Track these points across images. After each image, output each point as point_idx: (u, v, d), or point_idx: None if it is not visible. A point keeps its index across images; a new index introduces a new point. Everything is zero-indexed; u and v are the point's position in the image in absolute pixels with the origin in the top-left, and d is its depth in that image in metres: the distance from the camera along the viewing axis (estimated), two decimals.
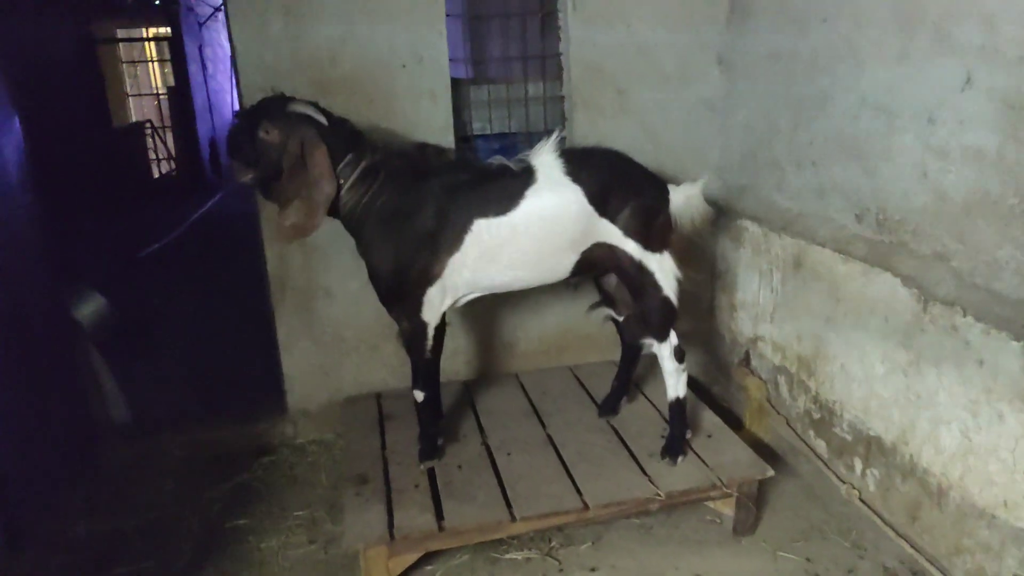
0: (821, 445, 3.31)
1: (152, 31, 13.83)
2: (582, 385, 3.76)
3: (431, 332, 2.96)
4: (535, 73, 3.92)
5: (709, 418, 3.38)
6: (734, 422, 3.63)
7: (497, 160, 2.96)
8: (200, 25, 12.65)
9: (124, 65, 13.67)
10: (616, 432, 3.28)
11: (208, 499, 3.34)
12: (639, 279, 2.96)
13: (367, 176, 2.83)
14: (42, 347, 3.34)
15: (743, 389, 3.84)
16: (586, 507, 2.78)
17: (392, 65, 3.49)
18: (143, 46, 14.49)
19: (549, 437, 3.27)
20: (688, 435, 3.15)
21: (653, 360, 4.00)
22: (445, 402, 3.56)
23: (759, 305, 3.72)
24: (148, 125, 13.08)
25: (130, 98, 13.69)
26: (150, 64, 15.70)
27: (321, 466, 3.60)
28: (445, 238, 2.82)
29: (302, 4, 3.32)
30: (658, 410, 3.46)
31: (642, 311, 3.05)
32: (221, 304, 6.09)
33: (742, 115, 3.74)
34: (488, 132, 3.94)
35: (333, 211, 2.87)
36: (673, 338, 3.04)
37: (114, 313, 4.31)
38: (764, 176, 3.61)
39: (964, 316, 2.45)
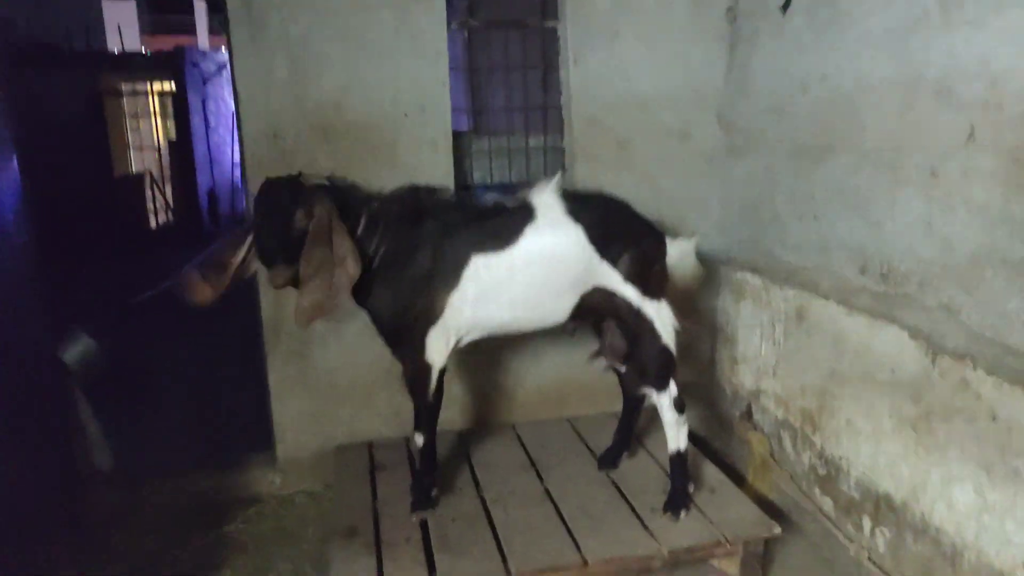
0: (828, 502, 3.21)
1: (157, 86, 14.08)
2: (581, 438, 3.67)
3: (434, 375, 2.90)
4: (536, 125, 3.96)
5: (712, 472, 3.29)
6: (736, 478, 3.52)
7: (493, 198, 2.97)
8: (204, 81, 12.90)
9: (127, 118, 13.86)
10: (616, 486, 3.19)
11: (192, 550, 3.20)
12: (637, 326, 2.92)
13: (370, 228, 2.80)
14: (29, 389, 3.25)
15: (745, 444, 3.75)
16: (585, 563, 2.66)
17: (395, 114, 3.53)
18: (147, 99, 14.75)
19: (547, 491, 3.17)
20: (691, 489, 3.06)
21: (654, 413, 3.93)
22: (439, 452, 3.45)
23: (761, 358, 3.67)
24: (148, 176, 13.21)
25: (131, 149, 13.83)
26: (152, 117, 15.96)
27: (309, 518, 3.47)
28: (443, 276, 2.79)
29: (307, 51, 3.37)
30: (659, 464, 3.37)
31: (640, 360, 3.01)
32: (212, 352, 6.01)
33: (742, 169, 3.77)
34: (488, 182, 3.96)
35: None
36: (673, 388, 2.98)
37: (103, 357, 4.22)
38: (765, 229, 3.61)
39: (975, 369, 2.40)
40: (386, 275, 2.81)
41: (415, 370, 2.90)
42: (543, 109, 3.94)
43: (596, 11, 3.66)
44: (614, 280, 2.88)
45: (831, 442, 3.17)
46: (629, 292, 2.88)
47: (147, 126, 15.99)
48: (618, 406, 3.46)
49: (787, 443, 3.48)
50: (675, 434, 3.01)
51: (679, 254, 3.03)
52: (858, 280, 2.98)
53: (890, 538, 2.83)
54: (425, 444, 2.99)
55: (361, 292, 2.81)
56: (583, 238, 2.83)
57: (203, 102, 12.78)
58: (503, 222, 2.86)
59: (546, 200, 2.87)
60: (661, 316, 2.93)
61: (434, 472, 3.12)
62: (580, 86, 3.73)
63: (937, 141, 2.54)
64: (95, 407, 3.80)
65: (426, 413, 2.96)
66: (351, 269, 2.63)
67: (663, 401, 2.98)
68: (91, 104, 11.58)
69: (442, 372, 2.93)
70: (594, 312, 3.01)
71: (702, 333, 4.11)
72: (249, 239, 2.74)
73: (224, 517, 3.45)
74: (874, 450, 2.90)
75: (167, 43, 13.28)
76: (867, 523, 2.96)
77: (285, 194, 2.64)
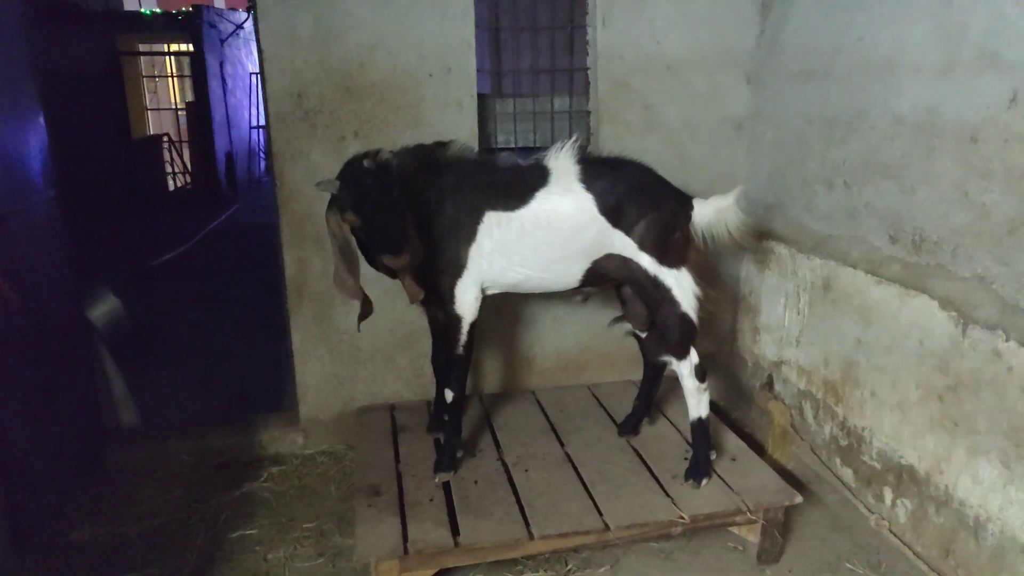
0: (848, 473, 3.20)
1: (174, 47, 14.00)
2: (601, 404, 3.67)
3: (465, 326, 2.92)
4: (562, 87, 3.89)
5: (732, 441, 3.28)
6: (756, 448, 3.52)
7: (510, 158, 2.95)
8: (222, 42, 12.79)
9: (144, 79, 13.82)
10: (637, 453, 3.19)
11: (215, 507, 3.25)
12: (655, 294, 2.90)
13: (400, 186, 2.73)
14: (56, 345, 3.29)
15: (766, 414, 3.74)
16: (607, 528, 2.68)
17: (420, 74, 3.47)
18: (164, 61, 14.67)
19: (568, 455, 3.17)
20: (712, 456, 3.06)
21: (675, 380, 3.92)
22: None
23: (784, 328, 3.64)
24: (166, 138, 13.20)
25: (148, 112, 13.81)
26: (170, 79, 15.90)
27: (331, 477, 3.51)
28: (464, 228, 2.81)
29: (332, 9, 3.32)
30: (680, 432, 3.37)
31: (660, 328, 2.99)
32: (234, 314, 6.04)
33: (771, 134, 3.70)
34: (512, 145, 3.91)
35: None
36: (694, 356, 2.96)
37: (127, 316, 4.26)
38: (793, 196, 3.55)
39: (1007, 341, 2.37)
40: (418, 226, 2.78)
41: (447, 321, 2.94)
42: (569, 71, 3.87)
43: None
44: (629, 248, 2.86)
45: (854, 413, 3.15)
46: (645, 260, 2.86)
47: (164, 87, 15.96)
48: (638, 374, 3.45)
49: (808, 413, 3.47)
50: (696, 402, 3.00)
51: (715, 212, 2.93)
52: (888, 249, 2.93)
53: (912, 509, 2.83)
54: (454, 400, 3.01)
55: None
56: (593, 206, 2.81)
57: (221, 64, 12.69)
58: (516, 181, 2.86)
59: (561, 164, 2.86)
60: (681, 284, 2.89)
61: (460, 432, 3.14)
62: (607, 48, 3.65)
63: (978, 105, 2.47)
64: (120, 364, 3.84)
65: (457, 367, 2.99)
66: (418, 253, 2.68)
67: (683, 369, 2.96)
68: (109, 64, 11.53)
69: (473, 325, 2.94)
70: (610, 278, 3.00)
71: (724, 302, 4.08)
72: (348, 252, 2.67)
73: (247, 475, 3.50)
74: (898, 421, 2.88)
75: (184, 3, 13.13)
76: (888, 494, 2.95)
77: (384, 177, 2.61)
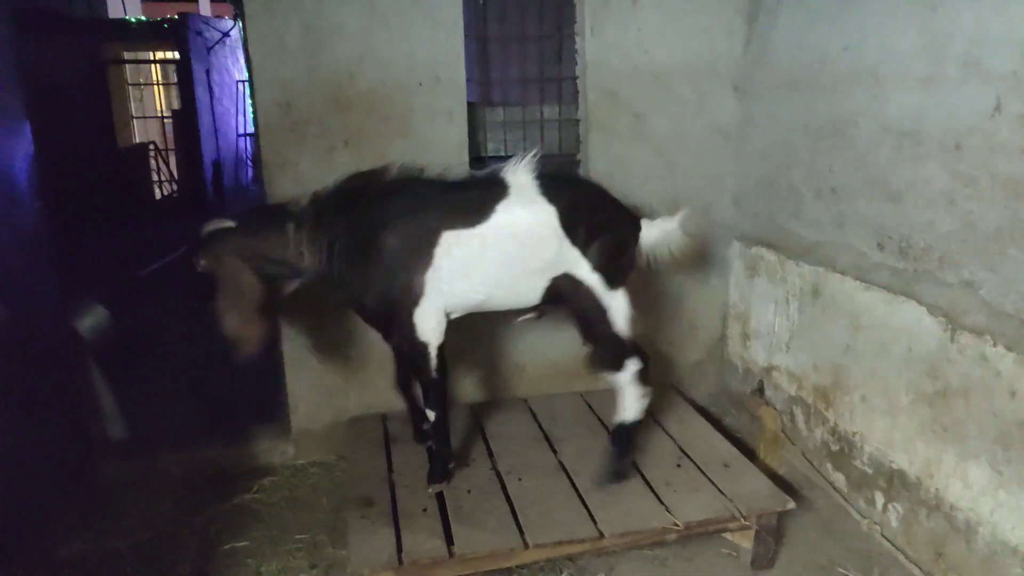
0: (839, 478, 3.22)
1: (160, 54, 13.93)
2: (593, 412, 3.68)
3: (434, 352, 2.87)
4: (551, 96, 3.91)
5: (725, 447, 3.30)
6: (748, 453, 3.53)
7: (464, 173, 2.93)
8: (208, 50, 12.75)
9: (130, 87, 13.74)
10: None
11: (206, 519, 3.22)
12: (593, 314, 2.87)
13: (314, 232, 2.75)
14: (43, 357, 3.25)
15: (757, 420, 3.76)
16: (601, 536, 2.68)
17: (410, 84, 3.48)
18: (150, 68, 14.61)
19: (561, 463, 3.18)
20: (631, 459, 3.05)
21: (666, 390, 3.95)
22: (453, 425, 3.46)
23: (774, 334, 3.67)
24: (152, 147, 13.12)
25: (134, 120, 13.73)
26: (156, 87, 15.82)
27: (323, 488, 3.49)
28: (416, 255, 2.73)
29: (321, 19, 3.32)
30: (672, 438, 3.38)
31: (595, 348, 2.95)
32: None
33: (759, 142, 3.73)
34: (503, 153, 3.92)
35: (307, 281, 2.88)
36: (633, 364, 2.93)
37: (115, 327, 4.22)
38: (781, 203, 3.58)
39: (995, 346, 2.40)
40: (352, 264, 2.77)
41: (412, 350, 2.88)
42: (558, 80, 3.89)
43: None
44: (582, 268, 2.81)
45: (845, 418, 3.17)
46: (594, 281, 2.82)
47: (150, 95, 15.88)
48: None
49: (799, 419, 3.49)
50: (630, 404, 2.98)
51: (661, 233, 2.94)
52: (876, 256, 2.96)
53: (903, 514, 2.85)
54: (437, 419, 2.98)
55: (337, 289, 2.86)
56: (555, 220, 2.75)
57: (207, 71, 12.64)
58: (473, 197, 2.79)
59: (520, 178, 2.80)
60: (617, 304, 2.87)
61: (450, 446, 3.13)
62: (596, 57, 3.67)
63: (962, 114, 2.50)
64: (108, 376, 3.80)
65: (433, 390, 2.94)
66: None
67: (621, 380, 2.95)
68: (94, 72, 11.45)
69: (441, 348, 2.89)
70: (559, 298, 2.93)
71: (653, 320, 4.10)
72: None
73: (238, 487, 3.47)
74: (889, 426, 2.91)
75: (168, 10, 13.08)
76: (879, 499, 2.98)
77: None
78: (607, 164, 3.79)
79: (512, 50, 4.03)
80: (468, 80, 3.58)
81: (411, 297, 2.77)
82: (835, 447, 3.24)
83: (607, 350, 2.91)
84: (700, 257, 3.99)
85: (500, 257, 2.76)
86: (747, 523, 2.81)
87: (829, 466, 3.29)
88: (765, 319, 3.74)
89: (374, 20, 3.37)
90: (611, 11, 3.61)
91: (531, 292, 2.88)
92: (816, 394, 3.36)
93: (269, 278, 2.81)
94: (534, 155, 2.83)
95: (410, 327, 2.82)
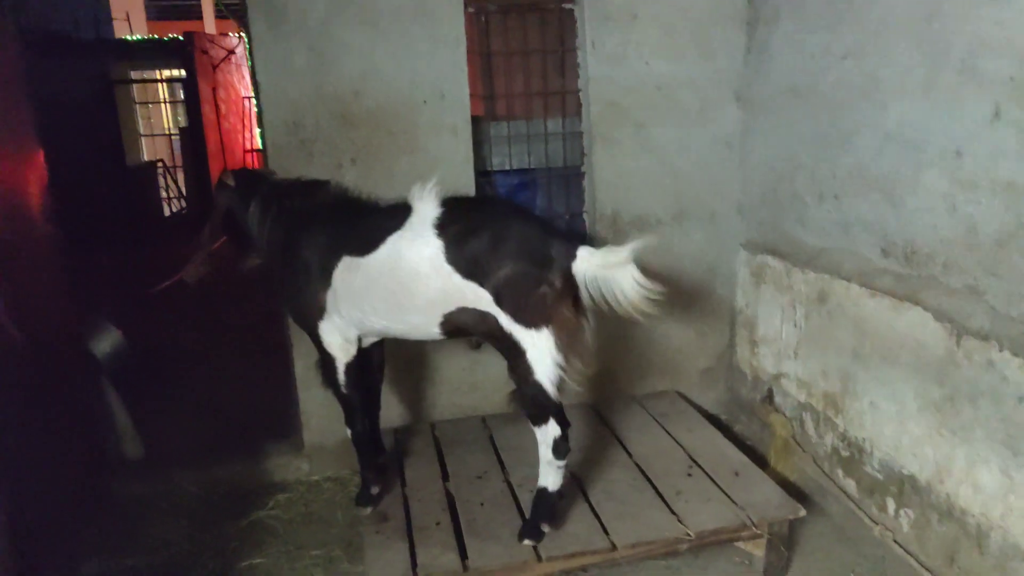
0: (851, 484, 3.23)
1: (166, 73, 14.09)
2: (605, 424, 3.69)
3: (341, 367, 2.89)
4: (555, 108, 3.95)
5: (735, 455, 3.31)
6: (758, 460, 3.55)
7: (393, 199, 2.78)
8: (214, 68, 12.88)
9: (137, 106, 13.89)
10: (640, 469, 3.22)
11: (223, 537, 3.26)
12: (510, 355, 2.61)
13: (264, 215, 2.89)
14: (60, 379, 3.30)
15: (767, 427, 3.77)
16: (614, 547, 2.70)
17: (414, 100, 3.53)
18: (156, 87, 14.76)
19: (572, 475, 3.19)
20: (545, 529, 2.72)
21: (675, 398, 3.97)
22: (464, 438, 3.52)
23: (782, 341, 3.68)
24: (160, 164, 13.25)
25: (142, 138, 13.87)
26: (163, 105, 15.97)
27: (337, 503, 3.52)
28: (320, 272, 2.75)
29: (326, 39, 3.37)
30: (682, 447, 3.40)
31: (516, 389, 2.69)
32: (234, 339, 6.06)
33: (761, 150, 3.75)
34: (507, 167, 3.96)
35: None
36: (552, 428, 2.64)
37: (129, 348, 4.28)
38: (785, 211, 3.60)
39: (1000, 351, 2.41)
40: (279, 261, 2.89)
41: (322, 359, 2.93)
42: (561, 93, 3.93)
43: None
44: (484, 301, 2.56)
45: (854, 424, 3.18)
46: (501, 316, 2.56)
47: (157, 114, 16.03)
48: (640, 389, 3.49)
49: (809, 425, 3.50)
50: (546, 472, 2.72)
51: (598, 268, 2.49)
52: (881, 262, 2.97)
53: (914, 519, 2.86)
54: (352, 439, 3.00)
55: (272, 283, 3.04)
56: (440, 255, 2.55)
57: (213, 89, 12.77)
58: (375, 225, 2.69)
59: (423, 206, 2.65)
60: (538, 347, 2.54)
61: (372, 468, 3.07)
62: (598, 70, 3.71)
63: (962, 120, 2.52)
64: (123, 397, 3.86)
65: (344, 407, 2.98)
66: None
67: (539, 436, 2.67)
68: (102, 92, 11.59)
69: (350, 367, 2.89)
70: (468, 332, 2.76)
71: (721, 319, 4.12)
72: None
73: (254, 503, 3.51)
74: (898, 432, 2.92)
75: (173, 29, 13.23)
76: (891, 504, 2.98)
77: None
78: (612, 175, 3.82)
79: (516, 64, 4.08)
80: (472, 95, 3.63)
81: (316, 310, 2.82)
82: (845, 453, 3.25)
83: (526, 399, 2.63)
84: (706, 265, 4.02)
85: (381, 292, 2.66)
86: (759, 532, 2.82)
87: (840, 472, 3.30)
88: (772, 326, 3.75)
89: (377, 39, 3.42)
90: (612, 25, 3.65)
91: (427, 326, 2.71)
92: (825, 400, 3.37)
93: (243, 238, 3.01)
94: (435, 181, 2.68)
95: (317, 339, 2.90)
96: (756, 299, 3.89)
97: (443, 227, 2.58)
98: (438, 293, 2.60)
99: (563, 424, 2.68)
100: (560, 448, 2.66)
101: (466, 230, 2.56)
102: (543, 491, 2.76)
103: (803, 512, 2.87)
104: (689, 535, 2.75)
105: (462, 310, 2.62)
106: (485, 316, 2.60)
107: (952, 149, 2.58)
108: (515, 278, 2.51)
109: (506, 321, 2.55)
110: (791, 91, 3.47)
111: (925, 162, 2.70)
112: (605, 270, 2.50)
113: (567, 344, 2.56)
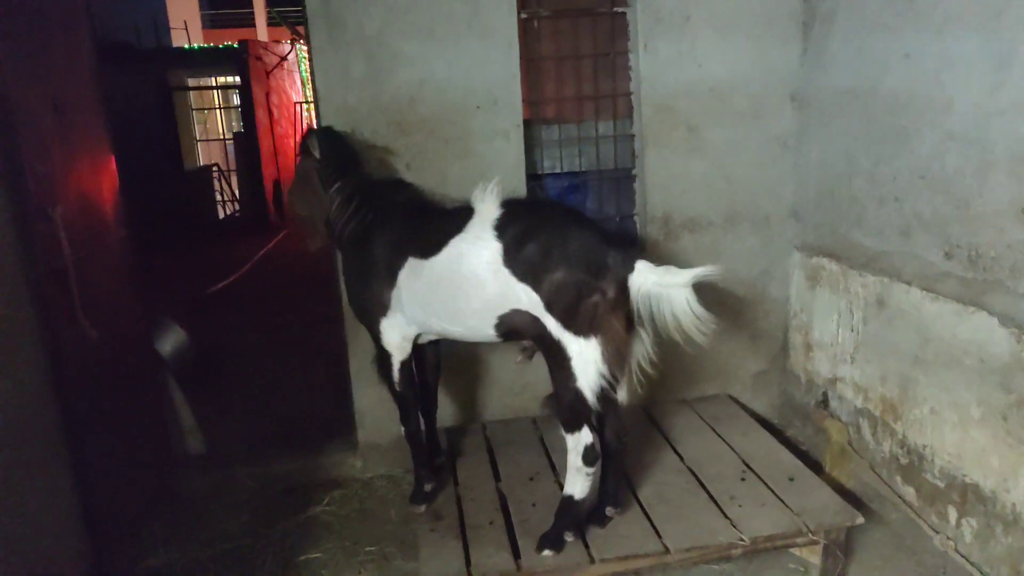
0: (910, 492, 3.16)
1: (221, 80, 14.51)
2: (655, 424, 3.69)
3: (396, 365, 2.95)
4: (606, 111, 3.96)
5: (789, 460, 3.27)
6: (812, 466, 3.50)
7: (459, 201, 2.84)
8: (267, 74, 13.21)
9: (194, 111, 14.35)
10: (694, 474, 3.20)
11: (282, 531, 3.36)
12: (554, 360, 2.60)
13: (346, 202, 2.96)
14: (130, 378, 3.45)
15: (821, 432, 3.72)
16: (667, 550, 2.70)
17: (468, 107, 3.58)
18: (212, 93, 15.22)
19: (624, 477, 3.20)
20: (569, 538, 2.70)
21: (726, 402, 3.94)
22: (515, 439, 3.55)
23: (838, 345, 3.62)
24: (215, 168, 13.65)
25: (198, 143, 14.31)
26: (218, 110, 16.45)
27: (391, 501, 3.59)
28: (388, 271, 2.82)
29: (382, 48, 3.44)
30: (735, 451, 3.37)
31: (555, 396, 2.69)
32: (289, 339, 6.21)
33: (817, 152, 3.70)
34: (559, 170, 3.98)
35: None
36: (585, 435, 2.63)
37: (192, 347, 4.43)
38: (842, 213, 3.54)
39: None
40: (352, 254, 2.97)
41: (379, 355, 3.00)
42: (612, 96, 3.94)
43: None
44: (536, 305, 2.56)
45: (914, 430, 3.12)
46: (549, 321, 2.55)
47: (212, 119, 16.52)
48: (690, 393, 3.46)
49: (866, 431, 3.44)
50: (573, 480, 2.71)
51: (655, 285, 2.47)
52: (943, 265, 2.91)
53: (977, 529, 2.79)
54: (406, 436, 3.05)
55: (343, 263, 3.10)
56: (498, 257, 2.57)
57: (267, 95, 13.09)
58: (440, 227, 2.74)
59: (485, 208, 2.69)
60: (584, 355, 2.52)
61: (426, 466, 3.15)
62: (650, 72, 3.71)
63: None
64: (187, 394, 4.00)
65: (398, 404, 3.03)
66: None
67: (569, 443, 2.67)
68: (161, 99, 12.00)
69: (405, 364, 2.95)
70: (522, 335, 2.75)
71: (776, 320, 4.07)
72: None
73: (310, 499, 3.60)
74: (960, 439, 2.85)
75: (227, 37, 13.63)
76: (953, 513, 2.91)
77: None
78: (664, 178, 3.81)
79: (567, 67, 4.10)
80: (524, 100, 3.66)
81: (379, 307, 2.89)
82: (904, 460, 3.18)
83: (563, 405, 2.62)
84: (759, 268, 3.97)
85: (442, 294, 2.71)
86: (815, 538, 2.79)
87: (899, 479, 3.23)
88: (828, 330, 3.69)
89: (432, 46, 3.48)
90: (664, 27, 3.64)
91: (483, 327, 2.73)
92: (884, 406, 3.31)
93: (317, 209, 3.06)
94: (495, 183, 2.71)
95: (376, 334, 2.96)
96: (811, 302, 3.84)
97: (502, 229, 2.61)
98: (494, 294, 2.62)
99: (598, 431, 2.72)
100: (591, 455, 2.66)
101: (524, 233, 2.57)
102: (569, 499, 2.73)
103: (861, 519, 2.82)
104: (743, 540, 2.73)
105: (516, 312, 2.64)
106: (536, 320, 2.60)
107: (1020, 151, 2.51)
108: (567, 284, 2.50)
109: (554, 326, 2.54)
110: (849, 91, 3.41)
111: (991, 163, 2.64)
112: (661, 288, 2.47)
113: (613, 355, 2.54)
